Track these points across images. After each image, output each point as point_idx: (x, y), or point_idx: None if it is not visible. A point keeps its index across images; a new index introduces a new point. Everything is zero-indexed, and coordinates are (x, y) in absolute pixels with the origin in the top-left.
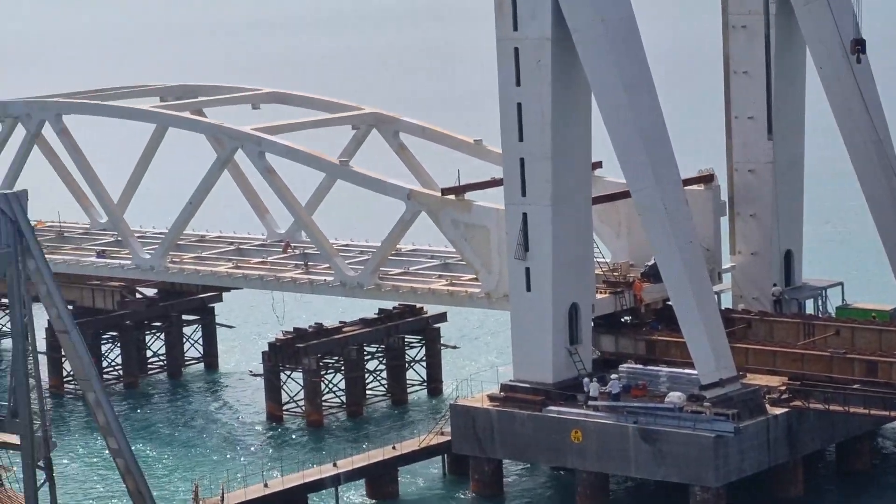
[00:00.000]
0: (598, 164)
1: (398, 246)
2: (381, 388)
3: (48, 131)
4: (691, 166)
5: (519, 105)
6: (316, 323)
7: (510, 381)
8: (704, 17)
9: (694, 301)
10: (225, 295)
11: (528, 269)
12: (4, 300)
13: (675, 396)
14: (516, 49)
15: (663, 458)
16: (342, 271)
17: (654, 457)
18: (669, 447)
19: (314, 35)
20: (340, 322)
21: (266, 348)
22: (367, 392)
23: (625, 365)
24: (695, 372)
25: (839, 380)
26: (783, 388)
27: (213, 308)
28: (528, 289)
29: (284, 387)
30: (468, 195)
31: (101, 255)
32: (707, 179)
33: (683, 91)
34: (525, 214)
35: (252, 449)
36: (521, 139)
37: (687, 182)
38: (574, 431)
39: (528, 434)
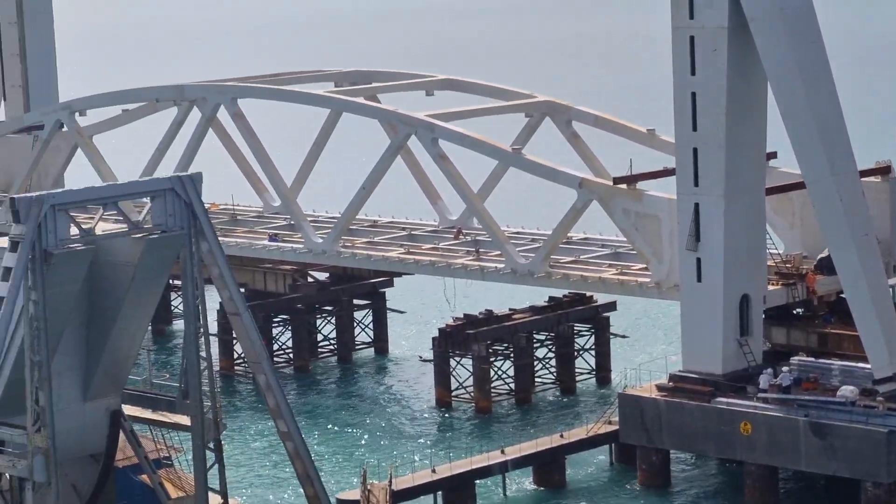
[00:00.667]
0: (773, 155)
1: (569, 234)
2: (550, 376)
3: (223, 115)
4: (868, 157)
5: (693, 94)
6: (486, 310)
7: (679, 371)
8: (885, 7)
9: (868, 294)
10: (396, 280)
11: (699, 260)
12: (177, 282)
13: (847, 390)
14: (692, 38)
15: (834, 452)
16: (513, 258)
17: (824, 451)
18: (841, 441)
19: (490, 21)
20: (510, 309)
21: (436, 334)
22: (536, 380)
23: (796, 357)
24: (868, 366)
25: None
26: None
27: (383, 293)
28: (699, 279)
29: (454, 373)
30: (640, 184)
31: (273, 238)
32: (884, 171)
33: (862, 81)
34: (697, 205)
35: (420, 434)
36: (694, 129)
37: (864, 173)
38: (743, 423)
39: (696, 425)
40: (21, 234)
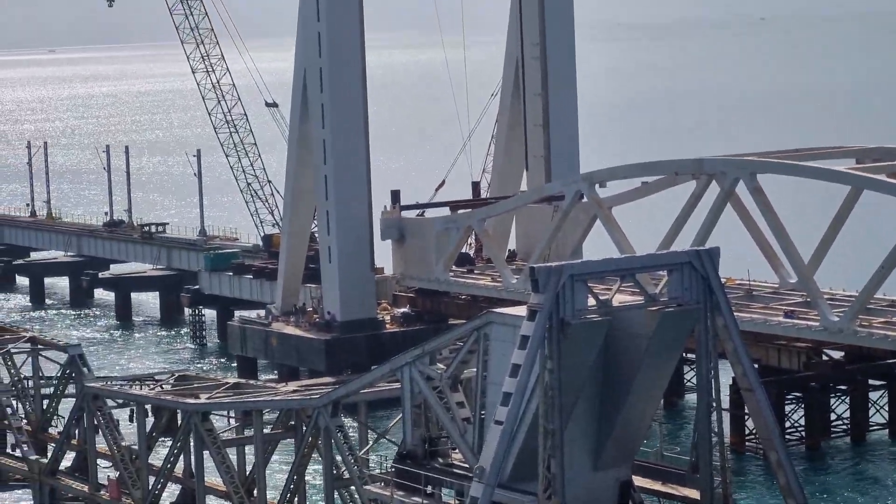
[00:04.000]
0: None
1: None
2: None
3: (742, 189)
4: None
5: None
6: None
7: None
8: None
9: None
10: None
11: None
12: (691, 355)
13: None
14: None
15: None
16: None
17: None
18: None
19: None
20: None
21: None
22: None
23: None
24: None
25: None
26: None
27: None
28: None
29: None
30: None
31: (789, 314)
32: None
33: None
34: None
35: None
36: None
37: None
38: None
39: None
40: (540, 303)
